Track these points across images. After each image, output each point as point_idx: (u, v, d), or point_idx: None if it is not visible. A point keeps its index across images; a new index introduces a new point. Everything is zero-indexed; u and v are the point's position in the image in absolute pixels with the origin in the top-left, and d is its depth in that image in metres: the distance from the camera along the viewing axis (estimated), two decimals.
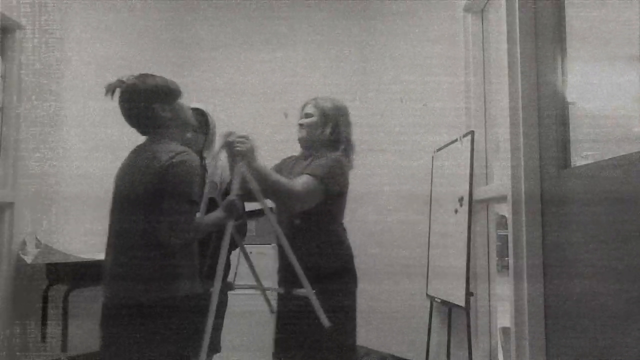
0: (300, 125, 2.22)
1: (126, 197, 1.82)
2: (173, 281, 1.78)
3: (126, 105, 1.86)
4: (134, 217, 1.77)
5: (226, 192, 1.97)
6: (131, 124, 1.90)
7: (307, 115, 2.22)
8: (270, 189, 1.95)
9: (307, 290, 1.88)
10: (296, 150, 2.34)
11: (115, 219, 1.87)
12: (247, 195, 1.90)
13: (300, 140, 2.25)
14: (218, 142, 2.05)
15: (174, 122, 1.90)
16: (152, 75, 1.90)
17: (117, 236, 1.84)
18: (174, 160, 1.76)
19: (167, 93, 1.89)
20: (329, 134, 2.19)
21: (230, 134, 1.92)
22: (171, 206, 1.73)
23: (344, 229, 2.22)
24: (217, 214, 1.87)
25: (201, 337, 1.75)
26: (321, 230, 2.11)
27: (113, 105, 1.87)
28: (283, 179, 2.00)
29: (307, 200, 2.01)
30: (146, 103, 1.84)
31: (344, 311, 2.06)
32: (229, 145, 1.91)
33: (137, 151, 1.90)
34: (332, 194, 2.08)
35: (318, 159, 2.15)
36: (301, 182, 2.00)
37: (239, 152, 1.89)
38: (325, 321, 1.87)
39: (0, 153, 3.27)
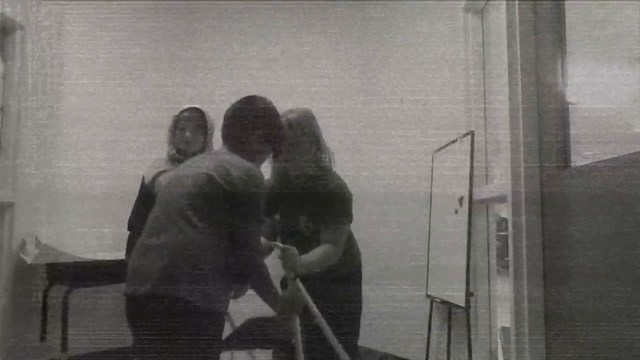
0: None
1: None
2: None
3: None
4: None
5: None
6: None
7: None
8: (320, 265, 2.04)
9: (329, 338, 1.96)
10: None
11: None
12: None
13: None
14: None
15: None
16: None
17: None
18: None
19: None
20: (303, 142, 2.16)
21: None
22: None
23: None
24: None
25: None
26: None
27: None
28: (323, 253, 2.06)
29: (344, 242, 2.14)
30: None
31: (350, 314, 2.08)
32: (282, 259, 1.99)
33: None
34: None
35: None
36: (339, 238, 2.10)
37: (288, 266, 1.96)
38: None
39: (0, 153, 3.27)
